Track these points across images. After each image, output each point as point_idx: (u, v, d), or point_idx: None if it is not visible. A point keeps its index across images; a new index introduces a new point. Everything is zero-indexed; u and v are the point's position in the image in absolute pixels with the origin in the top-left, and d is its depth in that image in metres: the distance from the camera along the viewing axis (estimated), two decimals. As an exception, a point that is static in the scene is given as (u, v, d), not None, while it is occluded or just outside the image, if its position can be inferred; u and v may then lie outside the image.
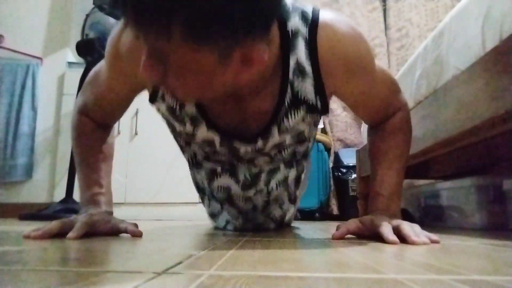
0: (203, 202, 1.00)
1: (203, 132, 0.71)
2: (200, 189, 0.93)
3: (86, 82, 0.79)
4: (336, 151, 2.68)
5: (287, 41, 0.63)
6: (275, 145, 0.74)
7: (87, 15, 2.13)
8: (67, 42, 2.71)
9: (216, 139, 0.72)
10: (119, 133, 2.42)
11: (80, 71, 2.05)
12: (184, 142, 0.79)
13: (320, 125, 2.74)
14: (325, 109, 0.71)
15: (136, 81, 0.69)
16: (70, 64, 2.66)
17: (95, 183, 0.74)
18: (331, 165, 2.62)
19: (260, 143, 0.72)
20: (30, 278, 0.28)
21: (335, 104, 2.79)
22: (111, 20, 2.05)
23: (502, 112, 0.71)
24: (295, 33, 0.63)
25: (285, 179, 0.83)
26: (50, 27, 2.73)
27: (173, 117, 0.71)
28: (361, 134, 2.15)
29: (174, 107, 0.69)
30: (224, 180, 0.81)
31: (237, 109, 0.68)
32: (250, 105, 0.67)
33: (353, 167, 2.32)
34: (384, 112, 0.77)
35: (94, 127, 0.79)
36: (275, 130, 0.70)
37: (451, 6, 2.49)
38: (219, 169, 0.80)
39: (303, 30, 0.63)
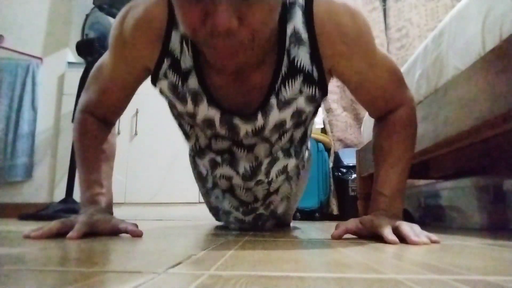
0: (203, 196, 1.00)
1: (203, 110, 0.71)
2: (201, 180, 0.93)
3: (88, 78, 0.79)
4: (336, 151, 2.68)
5: (285, 11, 0.64)
6: (276, 126, 0.73)
7: (87, 15, 2.13)
8: (67, 42, 2.71)
9: (217, 116, 0.71)
10: (119, 133, 2.42)
11: (80, 71, 2.05)
12: (188, 125, 0.79)
13: (320, 125, 2.74)
14: (322, 84, 0.70)
15: (140, 65, 0.70)
16: (70, 64, 2.66)
17: (95, 183, 0.74)
18: (331, 165, 2.62)
19: (260, 120, 0.71)
20: (30, 278, 0.28)
21: (335, 104, 2.79)
22: (111, 20, 2.05)
23: (502, 112, 0.71)
24: (292, 3, 0.65)
25: (285, 168, 0.83)
26: (50, 27, 2.73)
27: (175, 95, 0.71)
28: (361, 134, 2.15)
29: (177, 83, 0.69)
30: (225, 170, 0.82)
31: (238, 84, 0.68)
32: (250, 79, 0.68)
33: (353, 167, 2.33)
34: (386, 102, 0.76)
35: (96, 125, 0.79)
36: (273, 101, 0.69)
37: (451, 6, 2.49)
38: (219, 158, 0.80)
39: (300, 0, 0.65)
